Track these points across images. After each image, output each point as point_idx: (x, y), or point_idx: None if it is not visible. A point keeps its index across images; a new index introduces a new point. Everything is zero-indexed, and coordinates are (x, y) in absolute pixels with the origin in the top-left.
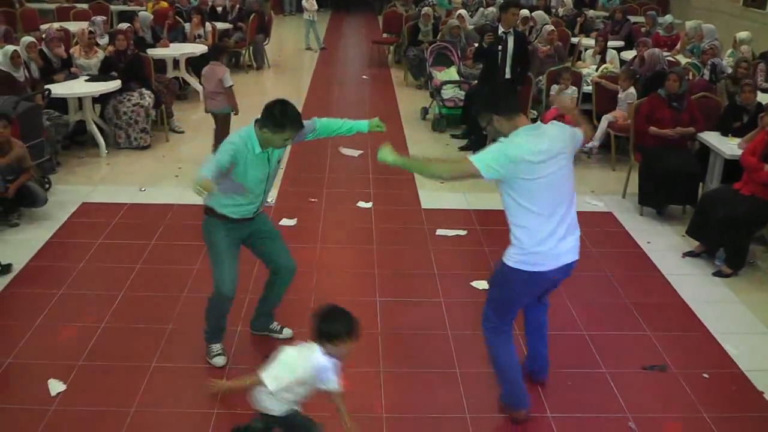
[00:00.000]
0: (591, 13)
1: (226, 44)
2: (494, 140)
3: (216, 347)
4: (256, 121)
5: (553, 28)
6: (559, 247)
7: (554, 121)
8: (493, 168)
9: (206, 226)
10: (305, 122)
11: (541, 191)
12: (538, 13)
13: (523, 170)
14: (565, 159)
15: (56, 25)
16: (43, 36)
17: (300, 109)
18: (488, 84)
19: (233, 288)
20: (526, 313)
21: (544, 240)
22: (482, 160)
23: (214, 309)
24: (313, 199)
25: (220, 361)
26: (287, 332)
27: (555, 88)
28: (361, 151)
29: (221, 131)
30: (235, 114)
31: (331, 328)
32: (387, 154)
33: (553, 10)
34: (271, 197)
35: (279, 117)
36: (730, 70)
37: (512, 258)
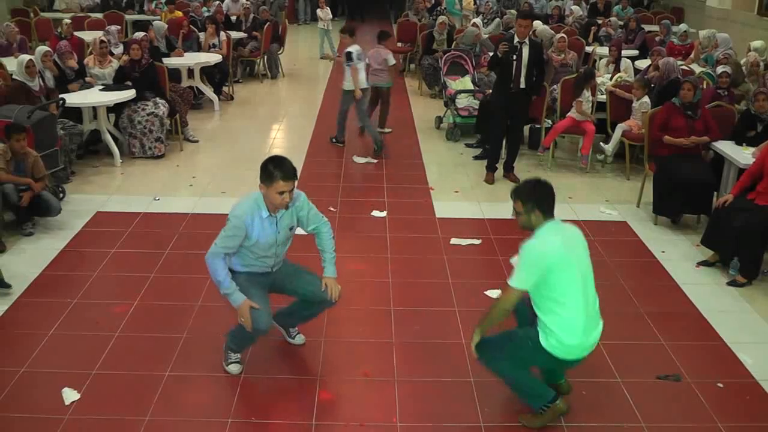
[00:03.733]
0: (613, 20)
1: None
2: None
3: (234, 355)
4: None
5: (563, 35)
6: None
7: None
8: (528, 278)
9: None
10: (320, 213)
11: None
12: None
13: (550, 265)
14: (585, 253)
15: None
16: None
17: (314, 118)
18: (544, 184)
19: (269, 322)
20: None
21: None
22: (518, 279)
23: (242, 338)
24: (332, 209)
25: (235, 369)
26: (300, 339)
27: (586, 94)
28: (375, 160)
29: (386, 100)
30: (388, 88)
31: None
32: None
33: (566, 19)
34: None
35: (271, 168)
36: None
37: (548, 342)
